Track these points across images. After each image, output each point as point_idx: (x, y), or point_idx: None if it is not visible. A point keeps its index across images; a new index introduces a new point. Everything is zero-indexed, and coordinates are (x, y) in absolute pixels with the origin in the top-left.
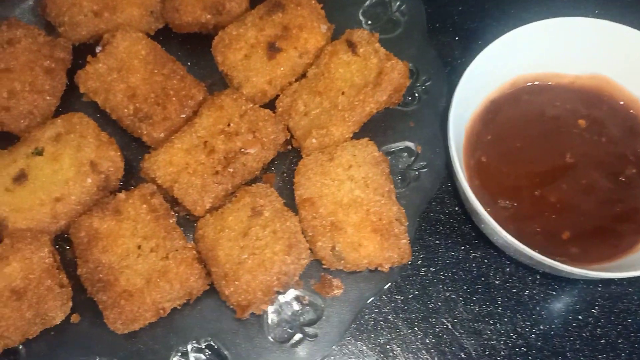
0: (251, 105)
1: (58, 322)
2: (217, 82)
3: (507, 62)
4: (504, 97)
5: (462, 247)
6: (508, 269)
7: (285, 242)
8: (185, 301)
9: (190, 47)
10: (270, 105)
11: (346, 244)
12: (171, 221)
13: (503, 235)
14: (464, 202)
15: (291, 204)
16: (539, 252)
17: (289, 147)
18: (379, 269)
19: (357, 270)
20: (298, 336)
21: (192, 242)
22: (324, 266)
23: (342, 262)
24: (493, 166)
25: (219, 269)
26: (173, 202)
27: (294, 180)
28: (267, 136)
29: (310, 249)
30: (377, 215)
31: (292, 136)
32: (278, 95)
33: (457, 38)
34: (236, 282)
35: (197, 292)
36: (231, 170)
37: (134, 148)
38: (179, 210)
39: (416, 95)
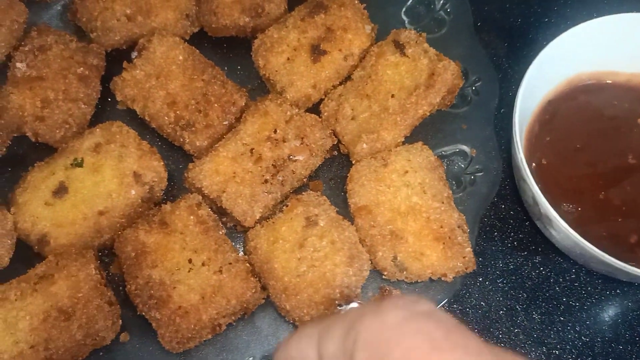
0: (296, 110)
1: (109, 343)
2: (256, 87)
3: (564, 62)
4: (560, 97)
5: (521, 254)
6: (568, 275)
7: (345, 253)
8: (239, 316)
9: (226, 52)
10: (312, 110)
11: (408, 253)
12: (220, 233)
13: (578, 241)
14: (529, 206)
15: (342, 212)
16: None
17: (335, 153)
18: (442, 278)
19: (419, 281)
20: None
21: (242, 254)
22: (384, 277)
23: (405, 272)
24: (554, 169)
25: (277, 283)
26: (219, 212)
27: (346, 188)
28: (315, 142)
29: (370, 260)
30: (438, 222)
31: (339, 141)
32: (321, 100)
33: (500, 36)
34: (297, 297)
35: (253, 306)
36: (280, 178)
37: (174, 157)
38: (227, 221)
39: (467, 96)
